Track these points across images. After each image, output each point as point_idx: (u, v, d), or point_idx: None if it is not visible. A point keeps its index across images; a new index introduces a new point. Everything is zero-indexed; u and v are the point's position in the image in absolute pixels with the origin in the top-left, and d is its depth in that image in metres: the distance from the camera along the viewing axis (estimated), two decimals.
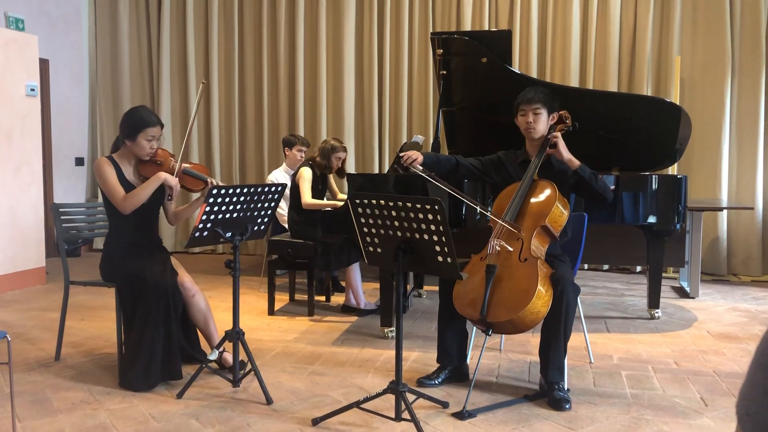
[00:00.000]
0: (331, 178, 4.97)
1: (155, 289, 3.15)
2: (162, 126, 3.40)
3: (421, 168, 3.18)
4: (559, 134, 3.26)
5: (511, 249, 3.06)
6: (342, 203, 4.43)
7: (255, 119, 7.29)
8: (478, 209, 3.53)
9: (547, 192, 3.15)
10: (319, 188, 4.74)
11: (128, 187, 3.35)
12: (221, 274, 6.13)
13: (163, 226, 7.00)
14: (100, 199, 3.46)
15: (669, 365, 3.59)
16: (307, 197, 4.61)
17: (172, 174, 3.36)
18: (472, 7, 6.61)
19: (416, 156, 3.17)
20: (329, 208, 4.67)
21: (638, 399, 3.08)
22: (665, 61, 6.30)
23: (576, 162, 3.23)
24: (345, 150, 4.88)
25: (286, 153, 5.57)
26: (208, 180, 3.41)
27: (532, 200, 3.15)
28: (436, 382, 3.23)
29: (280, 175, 5.56)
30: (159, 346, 3.15)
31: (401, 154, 3.20)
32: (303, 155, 5.45)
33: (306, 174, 4.66)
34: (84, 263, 6.55)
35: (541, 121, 3.25)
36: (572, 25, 6.38)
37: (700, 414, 2.91)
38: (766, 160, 6.15)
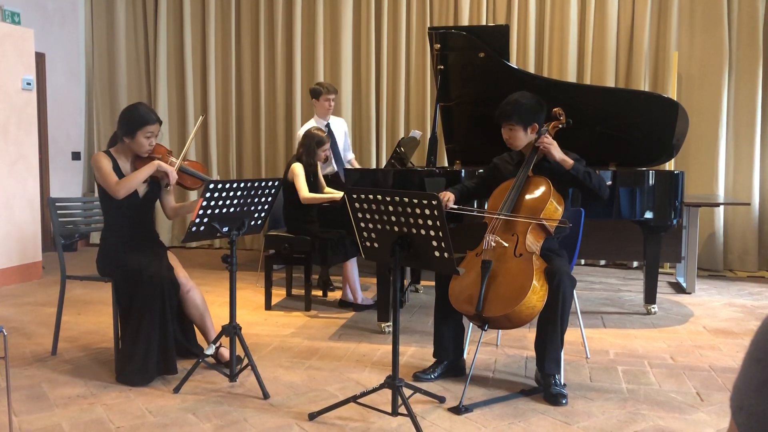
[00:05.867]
0: (319, 169, 4.92)
1: (150, 284, 3.15)
2: (160, 123, 3.39)
3: (456, 207, 3.28)
4: (546, 140, 3.19)
5: (506, 245, 3.06)
6: (340, 196, 4.42)
7: (252, 114, 7.28)
8: (475, 213, 3.54)
9: (542, 188, 3.16)
10: (311, 180, 4.72)
11: None
12: (218, 268, 6.13)
13: (160, 220, 7.00)
14: (97, 194, 3.45)
15: (665, 360, 3.60)
16: (304, 192, 4.60)
17: None
18: (469, 1, 6.59)
19: (448, 197, 3.27)
20: (327, 203, 4.66)
21: (634, 394, 3.09)
22: (663, 57, 6.30)
23: (569, 161, 3.18)
24: (329, 139, 4.84)
25: (315, 104, 5.50)
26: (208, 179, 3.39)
27: (527, 196, 3.16)
28: (432, 376, 3.24)
29: (312, 126, 5.49)
30: (155, 341, 3.15)
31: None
32: (332, 103, 5.38)
33: (298, 170, 4.64)
34: (81, 258, 6.54)
35: (517, 138, 3.24)
36: (570, 20, 6.37)
37: (696, 409, 2.92)
38: (763, 155, 6.17)
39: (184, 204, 3.55)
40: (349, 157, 5.69)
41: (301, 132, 5.50)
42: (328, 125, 5.44)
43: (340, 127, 5.63)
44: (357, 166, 5.64)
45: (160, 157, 3.38)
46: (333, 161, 5.43)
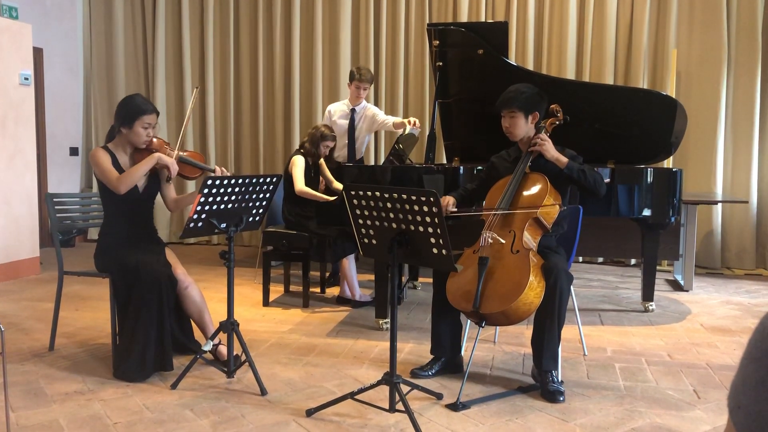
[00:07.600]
0: (325, 165, 4.90)
1: (148, 280, 3.14)
2: (158, 113, 3.38)
3: (456, 210, 3.36)
4: (541, 139, 3.19)
5: (503, 241, 3.07)
6: (333, 198, 4.39)
7: (251, 109, 7.27)
8: (474, 212, 3.55)
9: (539, 184, 3.16)
10: (311, 176, 4.71)
11: None
12: (216, 265, 6.12)
13: (158, 216, 6.99)
14: (95, 189, 3.45)
15: (662, 358, 3.60)
16: (299, 184, 4.59)
17: None
18: None
19: (448, 201, 3.35)
20: (321, 201, 4.65)
21: (631, 391, 3.10)
22: (661, 55, 6.29)
23: (563, 160, 3.17)
24: (334, 138, 4.83)
25: (348, 86, 5.36)
26: (213, 168, 3.37)
27: (524, 192, 3.17)
28: (430, 373, 3.24)
29: (337, 107, 5.42)
30: (152, 337, 3.15)
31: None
32: (361, 92, 5.20)
33: (299, 162, 4.64)
34: (78, 253, 6.53)
35: (518, 126, 3.24)
36: (569, 18, 6.37)
37: (693, 406, 2.93)
38: (761, 153, 6.17)
39: (185, 196, 3.55)
40: (390, 121, 5.31)
41: (329, 109, 5.44)
42: (353, 110, 5.37)
43: (366, 116, 5.37)
44: (408, 126, 5.01)
45: (157, 150, 3.38)
46: (351, 149, 5.39)
